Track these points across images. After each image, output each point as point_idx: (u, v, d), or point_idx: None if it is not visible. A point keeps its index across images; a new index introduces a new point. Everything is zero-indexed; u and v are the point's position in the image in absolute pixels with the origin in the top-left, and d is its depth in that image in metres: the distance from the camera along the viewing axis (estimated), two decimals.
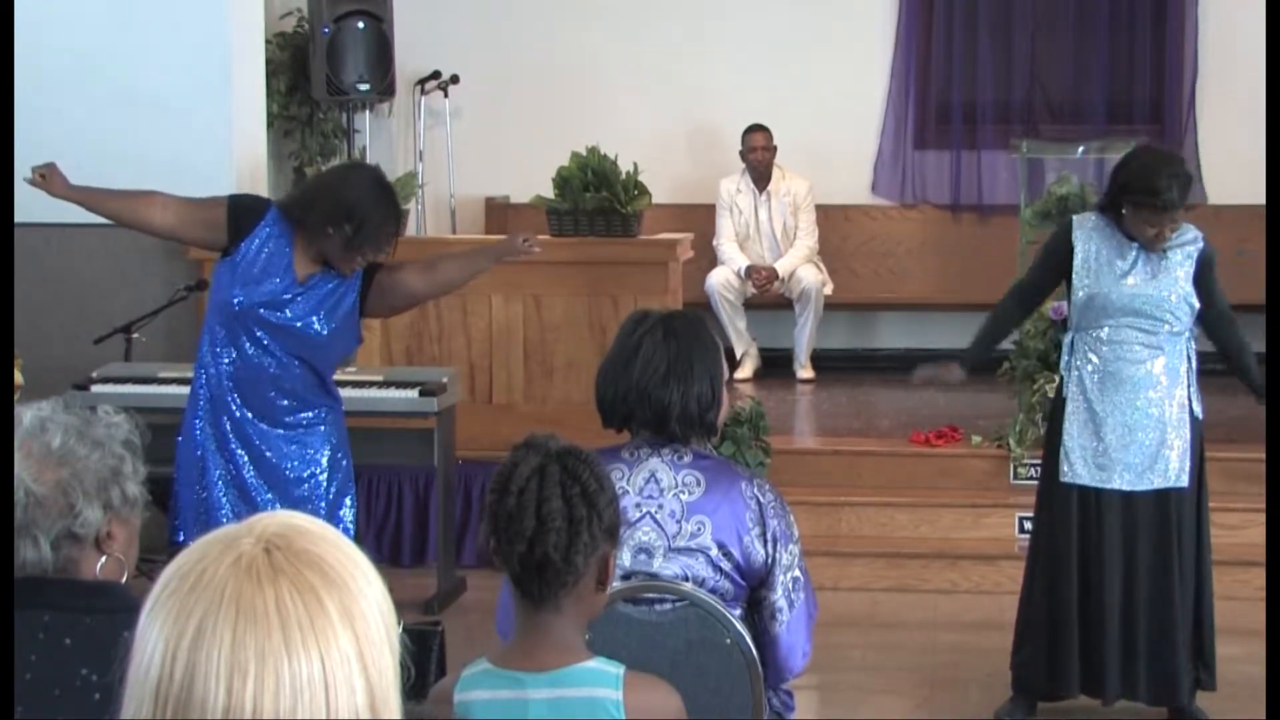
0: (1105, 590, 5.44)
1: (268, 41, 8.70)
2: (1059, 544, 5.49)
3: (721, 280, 9.68)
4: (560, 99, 10.29)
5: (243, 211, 5.20)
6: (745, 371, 9.64)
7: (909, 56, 10.27)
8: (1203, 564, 5.56)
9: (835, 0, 10.24)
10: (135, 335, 7.13)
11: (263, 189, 8.17)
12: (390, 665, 1.58)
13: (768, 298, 9.79)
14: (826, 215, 10.02)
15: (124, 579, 2.63)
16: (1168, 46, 10.09)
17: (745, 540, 3.58)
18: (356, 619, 1.55)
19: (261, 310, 5.13)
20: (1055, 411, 5.58)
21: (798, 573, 3.66)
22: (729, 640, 3.46)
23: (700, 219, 9.76)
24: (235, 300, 5.12)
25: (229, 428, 5.22)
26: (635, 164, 7.67)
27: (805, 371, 9.74)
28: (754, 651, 3.49)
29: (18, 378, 3.71)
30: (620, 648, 3.02)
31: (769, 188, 9.83)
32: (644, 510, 3.57)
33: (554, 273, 7.69)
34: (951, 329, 9.97)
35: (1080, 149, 8.80)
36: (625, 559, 3.53)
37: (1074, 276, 5.48)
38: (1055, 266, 5.56)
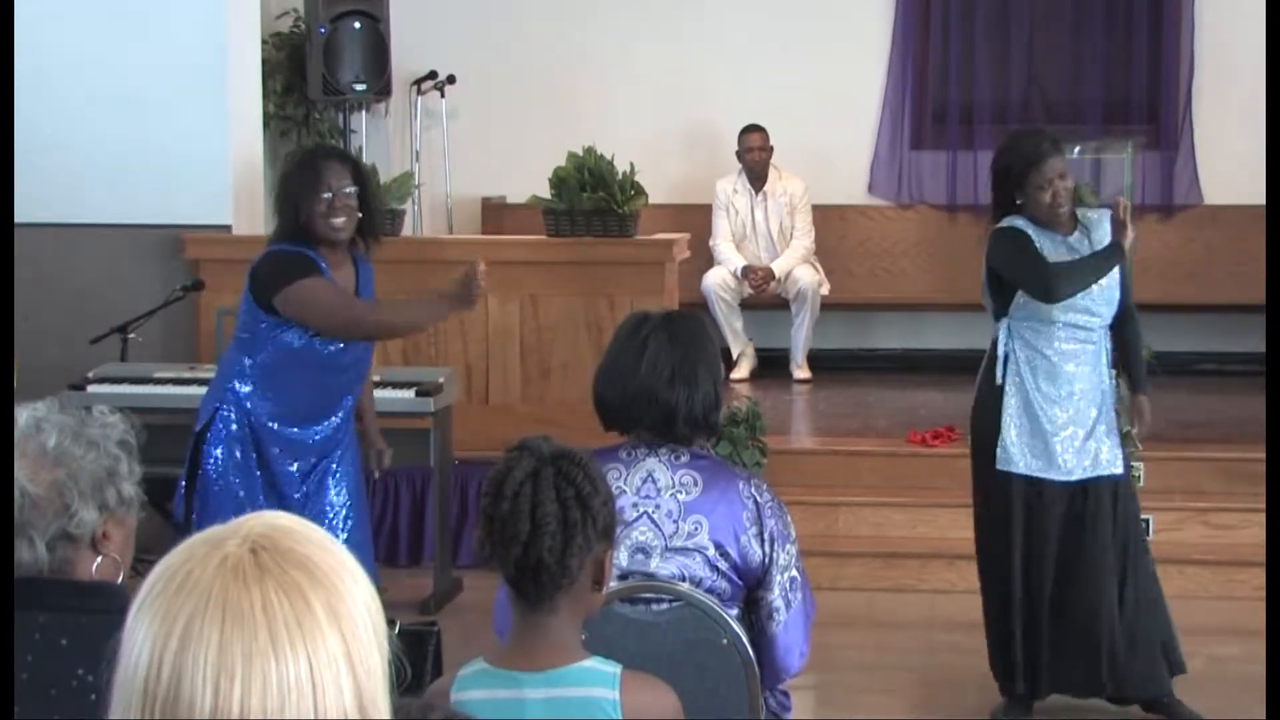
0: (1045, 584, 5.49)
1: (264, 41, 8.70)
2: (1002, 538, 5.53)
3: (718, 280, 9.68)
4: (557, 99, 10.28)
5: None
6: (742, 371, 9.64)
7: (905, 57, 10.27)
8: (1145, 550, 5.64)
9: (832, 1, 10.24)
10: (131, 335, 7.12)
11: (258, 189, 8.17)
12: (378, 665, 1.57)
13: (764, 298, 9.79)
14: (823, 215, 10.02)
15: (120, 579, 2.63)
16: (1164, 47, 10.08)
17: (742, 540, 3.58)
18: (344, 619, 1.54)
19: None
20: (988, 402, 5.56)
21: (795, 573, 3.66)
22: (726, 640, 3.46)
23: (697, 219, 9.76)
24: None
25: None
26: (632, 164, 7.67)
27: (802, 371, 9.73)
28: (751, 652, 3.49)
29: None
30: (617, 648, 3.02)
31: (765, 188, 9.83)
32: (641, 510, 3.57)
33: (550, 273, 7.69)
34: (948, 329, 9.99)
35: (1077, 149, 8.80)
36: (622, 559, 3.53)
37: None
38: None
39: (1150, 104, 10.12)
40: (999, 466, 5.48)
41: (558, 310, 7.72)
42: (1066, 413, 5.47)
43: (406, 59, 10.04)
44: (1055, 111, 10.18)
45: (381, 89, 9.79)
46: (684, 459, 3.64)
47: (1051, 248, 5.45)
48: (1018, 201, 5.47)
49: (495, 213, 10.40)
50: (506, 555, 2.78)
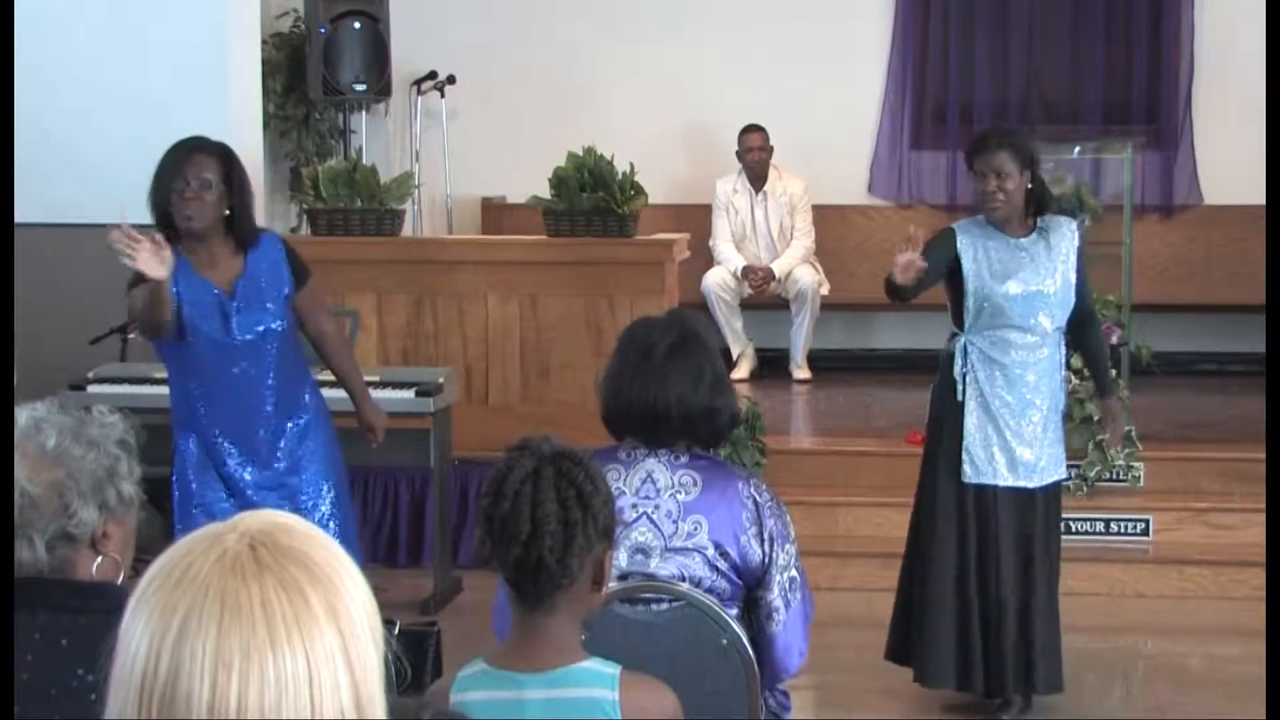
0: (1002, 586, 5.54)
1: (264, 41, 8.69)
2: (947, 541, 5.59)
3: (718, 280, 9.68)
4: (556, 99, 10.29)
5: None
6: (742, 372, 9.63)
7: (905, 56, 10.27)
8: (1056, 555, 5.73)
9: (832, 1, 10.24)
10: (131, 336, 7.12)
11: (259, 190, 8.13)
12: (375, 664, 1.57)
13: (764, 298, 9.79)
14: (823, 215, 10.01)
15: (120, 579, 2.63)
16: (1164, 47, 10.09)
17: (742, 540, 3.58)
18: (341, 616, 1.54)
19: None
20: (946, 413, 5.63)
21: (794, 572, 3.66)
22: (726, 640, 3.46)
23: (696, 219, 9.76)
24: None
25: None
26: (632, 164, 7.67)
27: (802, 372, 9.73)
28: (750, 652, 3.49)
29: None
30: (617, 648, 3.01)
31: (765, 188, 9.83)
32: (641, 510, 3.57)
33: (550, 273, 7.69)
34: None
35: (1076, 149, 8.81)
36: (622, 559, 3.53)
37: (964, 282, 5.54)
38: (935, 266, 5.54)
39: (1150, 104, 10.12)
40: (964, 480, 5.53)
41: (557, 310, 7.72)
42: (1026, 420, 5.53)
43: (406, 59, 10.04)
44: (1055, 111, 10.18)
45: (381, 89, 9.79)
46: (683, 459, 3.64)
47: (1001, 249, 5.48)
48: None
49: (495, 213, 10.40)
50: (506, 555, 2.78)
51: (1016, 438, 5.52)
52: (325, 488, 5.36)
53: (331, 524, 5.29)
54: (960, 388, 5.58)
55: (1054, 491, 5.65)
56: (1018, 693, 5.67)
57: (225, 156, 5.14)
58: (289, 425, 5.30)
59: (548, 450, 2.83)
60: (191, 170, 5.04)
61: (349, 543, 5.24)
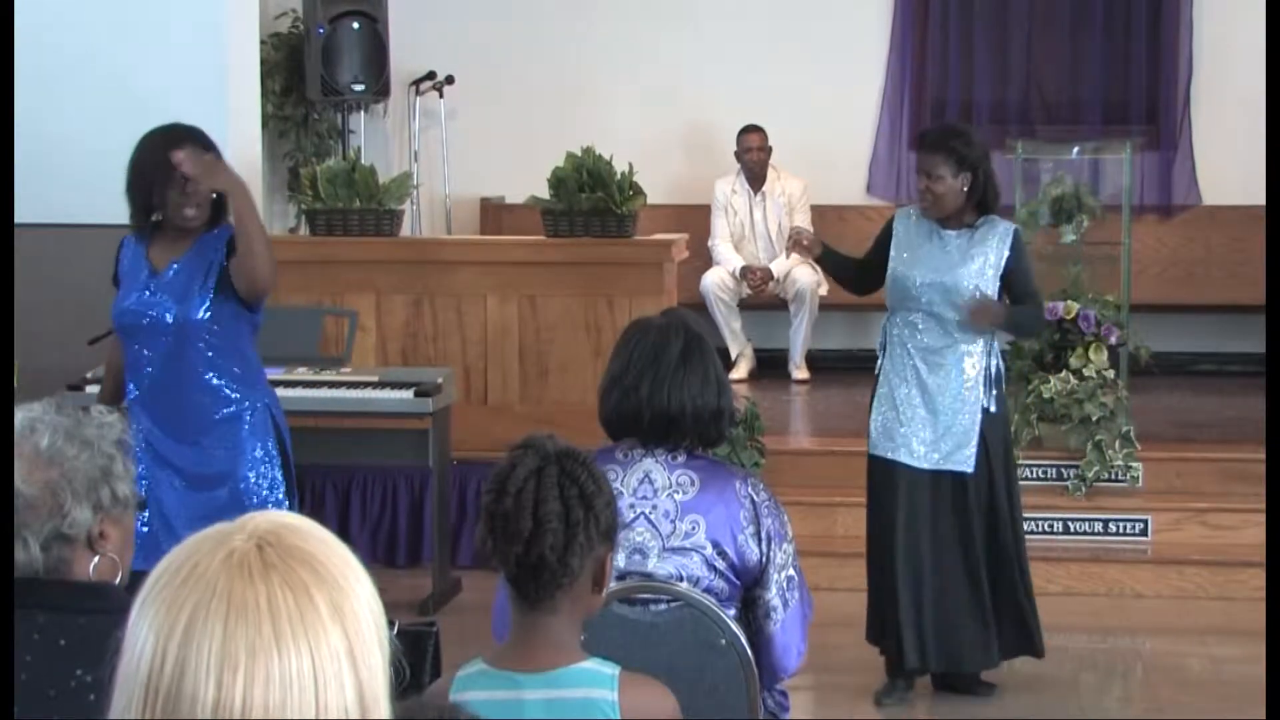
0: (921, 560, 5.72)
1: (262, 41, 8.69)
2: (885, 517, 5.80)
3: (716, 281, 9.69)
4: (555, 99, 10.29)
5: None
6: (740, 372, 9.63)
7: (904, 56, 10.27)
8: (1005, 548, 5.77)
9: (831, 1, 10.25)
10: None
11: (257, 189, 8.15)
12: (380, 664, 1.57)
13: (763, 298, 9.79)
14: (821, 216, 10.01)
15: (118, 579, 2.63)
16: (1163, 47, 10.09)
17: (739, 539, 3.58)
18: (347, 616, 1.54)
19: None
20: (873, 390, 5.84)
21: (792, 571, 3.66)
22: (724, 640, 3.46)
23: (695, 219, 9.76)
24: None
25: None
26: (630, 164, 7.67)
27: (800, 372, 9.74)
28: (749, 652, 3.49)
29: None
30: (615, 648, 3.02)
31: (764, 188, 9.83)
32: (638, 510, 3.57)
33: (549, 273, 7.69)
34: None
35: (1075, 149, 8.82)
36: (620, 559, 3.53)
37: (889, 261, 5.71)
38: (880, 249, 5.77)
39: (1149, 104, 10.12)
40: (871, 451, 5.79)
41: (556, 310, 7.72)
42: (922, 403, 5.67)
43: (405, 59, 10.04)
44: (1054, 111, 10.19)
45: (380, 89, 9.79)
46: (681, 459, 3.64)
47: (926, 239, 5.63)
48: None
49: (494, 213, 10.40)
50: (508, 552, 2.78)
51: (915, 420, 5.67)
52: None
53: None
54: (878, 364, 5.79)
55: (961, 479, 5.69)
56: (979, 666, 5.83)
57: (208, 145, 5.04)
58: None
59: (552, 449, 2.83)
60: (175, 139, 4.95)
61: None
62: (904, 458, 5.70)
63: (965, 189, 5.55)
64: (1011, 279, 5.65)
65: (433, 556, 7.11)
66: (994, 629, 5.75)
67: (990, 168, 5.68)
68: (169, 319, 5.00)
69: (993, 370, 5.70)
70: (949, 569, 5.73)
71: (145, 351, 5.05)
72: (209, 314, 5.00)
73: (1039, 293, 5.88)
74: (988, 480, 5.71)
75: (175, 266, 5.02)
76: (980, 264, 5.60)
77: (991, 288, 5.61)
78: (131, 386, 5.11)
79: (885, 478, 5.75)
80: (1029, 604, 5.83)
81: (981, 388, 5.67)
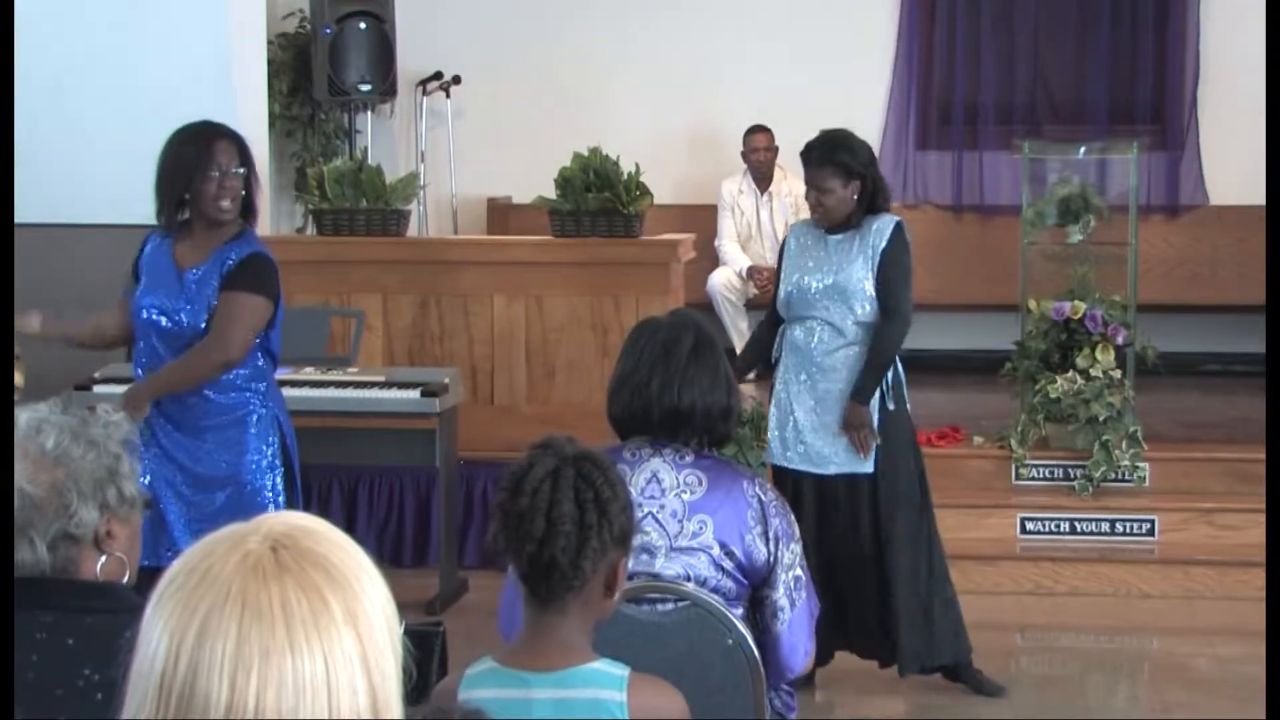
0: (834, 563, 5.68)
1: (270, 42, 8.71)
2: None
3: (723, 281, 9.69)
4: (562, 99, 10.29)
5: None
6: None
7: (911, 57, 10.27)
8: (918, 548, 5.77)
9: (838, 1, 10.25)
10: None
11: (264, 189, 8.17)
12: (393, 668, 1.58)
13: (769, 298, 9.76)
14: None
15: (126, 578, 2.63)
16: (1169, 47, 10.08)
17: (747, 539, 3.58)
18: (360, 619, 1.55)
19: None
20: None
21: (799, 571, 3.66)
22: (731, 640, 3.46)
23: (702, 220, 9.76)
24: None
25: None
26: (637, 165, 7.67)
27: None
28: (756, 652, 3.48)
29: (18, 379, 3.70)
30: (622, 648, 3.01)
31: (771, 188, 9.83)
32: (646, 510, 3.57)
33: (556, 273, 7.69)
34: (953, 329, 9.99)
35: (1082, 149, 8.80)
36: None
37: (781, 272, 5.83)
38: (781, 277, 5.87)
39: (1156, 104, 10.12)
40: (769, 459, 5.76)
41: (563, 311, 7.72)
42: (814, 409, 5.67)
43: (412, 59, 10.05)
44: (1060, 111, 10.18)
45: (387, 89, 9.80)
46: (688, 459, 3.65)
47: (815, 244, 5.74)
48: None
49: (501, 213, 10.40)
50: (520, 551, 2.78)
51: (807, 426, 5.68)
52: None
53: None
54: (776, 372, 5.79)
55: (863, 481, 5.68)
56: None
57: (239, 140, 5.13)
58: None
59: (570, 451, 2.83)
60: (224, 157, 4.99)
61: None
62: (800, 465, 5.71)
63: (855, 196, 5.65)
64: (882, 272, 5.63)
65: (439, 556, 7.11)
66: (895, 630, 5.75)
67: (877, 172, 5.76)
68: (186, 322, 5.03)
69: (888, 374, 5.71)
70: (855, 569, 5.73)
71: (160, 349, 5.08)
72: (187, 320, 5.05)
73: (903, 304, 5.71)
74: (891, 478, 5.73)
75: (195, 274, 5.04)
76: (863, 259, 5.66)
77: (869, 281, 5.64)
78: (140, 375, 5.13)
79: (792, 488, 5.69)
80: (940, 606, 5.80)
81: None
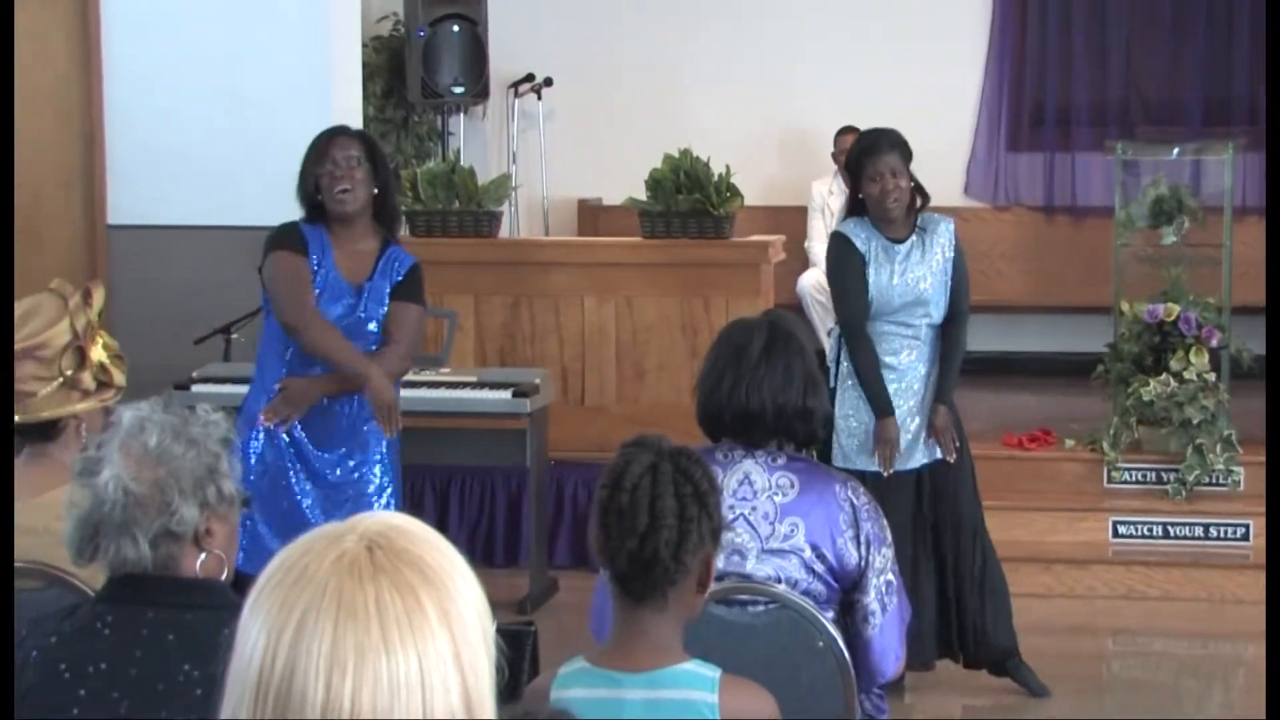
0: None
1: (364, 45, 8.77)
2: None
3: (813, 282, 9.66)
4: (652, 101, 10.30)
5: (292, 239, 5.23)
6: None
7: (1003, 57, 10.21)
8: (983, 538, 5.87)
9: (928, 1, 10.21)
10: (234, 336, 7.20)
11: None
12: (486, 667, 1.59)
13: None
14: None
15: (224, 575, 2.67)
16: (1266, 47, 9.96)
17: (839, 543, 3.58)
18: (454, 619, 1.56)
19: None
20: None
21: (890, 576, 3.66)
22: (821, 643, 3.46)
23: (792, 221, 9.75)
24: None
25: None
26: (728, 166, 7.67)
27: None
28: (846, 655, 3.48)
29: (119, 378, 3.76)
30: (712, 649, 3.02)
31: None
32: (737, 512, 3.58)
33: (646, 274, 7.71)
34: (1044, 331, 9.93)
35: (1176, 150, 8.72)
36: (718, 560, 3.53)
37: (871, 279, 5.69)
38: (861, 276, 5.66)
39: (1251, 105, 9.98)
40: (836, 463, 5.64)
41: (653, 311, 7.74)
42: (900, 406, 5.67)
43: (504, 62, 10.09)
44: (1154, 112, 10.08)
45: (479, 91, 9.84)
46: (780, 461, 3.65)
47: (880, 256, 5.60)
48: (859, 196, 5.65)
49: (591, 214, 10.43)
50: (621, 547, 2.80)
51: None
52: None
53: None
54: (834, 372, 5.74)
55: (945, 471, 5.75)
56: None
57: (366, 137, 5.30)
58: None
59: (666, 447, 2.86)
60: (337, 151, 5.13)
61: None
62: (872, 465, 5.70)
63: (911, 186, 5.64)
64: (955, 277, 5.68)
65: (530, 556, 7.14)
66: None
67: None
68: (372, 329, 5.21)
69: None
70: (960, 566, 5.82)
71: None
72: (377, 326, 5.23)
73: (967, 306, 5.81)
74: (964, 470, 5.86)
75: (369, 286, 5.18)
76: (936, 266, 5.65)
77: (944, 290, 5.66)
78: (285, 374, 5.20)
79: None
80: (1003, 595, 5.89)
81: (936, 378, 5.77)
